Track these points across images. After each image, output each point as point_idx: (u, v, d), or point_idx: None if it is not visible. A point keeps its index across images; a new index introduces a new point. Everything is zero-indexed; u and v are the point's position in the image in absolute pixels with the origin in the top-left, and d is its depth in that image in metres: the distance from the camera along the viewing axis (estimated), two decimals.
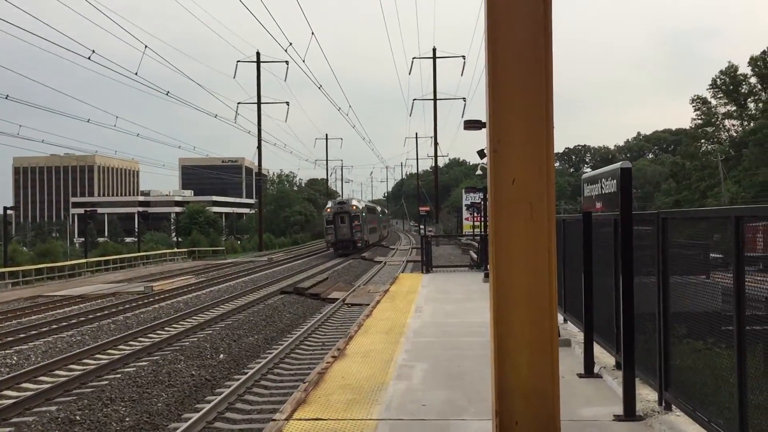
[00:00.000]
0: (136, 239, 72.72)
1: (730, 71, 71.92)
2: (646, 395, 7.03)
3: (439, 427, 6.58)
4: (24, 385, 12.54)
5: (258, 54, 63.78)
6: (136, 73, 34.10)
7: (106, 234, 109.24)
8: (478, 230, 40.65)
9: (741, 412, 4.77)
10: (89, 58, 30.47)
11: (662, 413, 6.51)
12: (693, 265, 6.09)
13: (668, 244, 6.33)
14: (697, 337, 5.86)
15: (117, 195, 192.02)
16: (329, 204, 57.23)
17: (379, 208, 78.80)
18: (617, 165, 6.68)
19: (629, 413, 6.59)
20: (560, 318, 11.50)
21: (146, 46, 37.64)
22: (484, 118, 5.13)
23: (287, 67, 60.46)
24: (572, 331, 11.02)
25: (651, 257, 6.70)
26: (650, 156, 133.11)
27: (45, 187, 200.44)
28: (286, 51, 37.03)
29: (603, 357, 8.73)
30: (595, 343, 8.52)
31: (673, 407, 6.41)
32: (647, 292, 6.78)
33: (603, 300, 8.34)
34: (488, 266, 5.46)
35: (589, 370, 8.45)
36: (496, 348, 5.02)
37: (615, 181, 6.72)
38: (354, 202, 56.78)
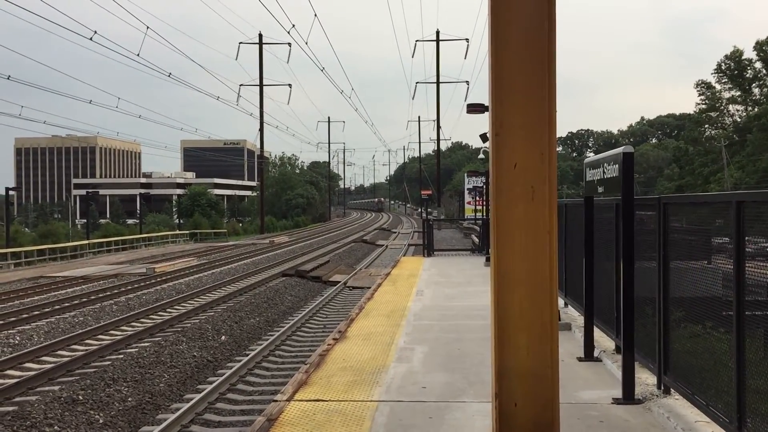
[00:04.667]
0: (138, 221, 72.79)
1: (735, 56, 71.44)
2: (645, 379, 7.07)
3: (438, 409, 6.63)
4: (27, 365, 12.62)
5: (260, 35, 63.47)
6: (138, 54, 34.01)
7: (108, 215, 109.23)
8: (480, 214, 40.67)
9: (739, 396, 4.80)
10: (91, 39, 30.41)
11: (661, 397, 6.55)
12: (694, 250, 6.10)
13: (669, 228, 6.34)
14: (697, 321, 5.88)
15: (119, 176, 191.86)
16: (376, 199, 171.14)
17: (384, 199, 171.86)
18: (619, 150, 6.67)
19: (628, 396, 6.64)
20: (561, 302, 11.53)
21: (148, 27, 37.32)
22: (487, 102, 5.11)
23: (290, 49, 60.38)
24: (573, 315, 11.06)
25: (652, 242, 6.72)
26: (653, 141, 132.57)
27: (47, 168, 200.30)
28: (288, 33, 36.95)
29: (603, 341, 8.77)
30: (595, 327, 8.55)
31: (672, 391, 6.45)
32: (648, 277, 6.80)
33: (604, 284, 8.36)
34: (489, 250, 5.47)
35: (589, 353, 8.50)
36: (496, 330, 5.04)
37: (617, 165, 6.71)
38: (382, 199, 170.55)
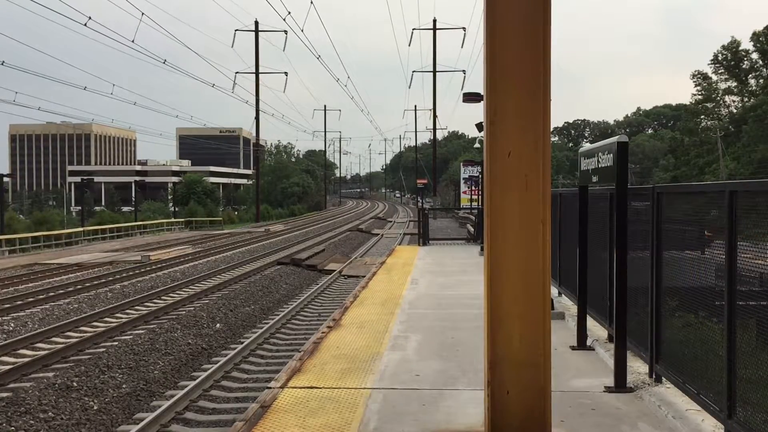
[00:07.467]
0: (133, 208, 72.63)
1: (732, 46, 71.33)
2: (637, 368, 7.11)
3: (431, 397, 6.66)
4: (21, 351, 12.62)
5: (256, 23, 63.19)
6: (132, 41, 33.88)
7: (103, 203, 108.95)
8: (476, 204, 40.68)
9: (730, 385, 4.83)
10: (85, 25, 30.19)
11: (652, 385, 6.59)
12: (687, 240, 6.12)
13: (663, 218, 6.36)
14: (689, 311, 5.91)
15: (114, 164, 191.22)
16: (358, 189, 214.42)
17: (365, 189, 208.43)
18: (614, 139, 6.67)
19: (620, 385, 6.68)
20: (555, 291, 11.56)
21: (143, 13, 37.31)
22: (483, 91, 5.11)
23: (286, 37, 60.10)
24: (566, 304, 11.10)
25: (645, 232, 6.74)
26: (649, 131, 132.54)
27: (42, 155, 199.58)
28: (284, 20, 36.82)
29: (596, 330, 8.81)
30: (588, 316, 8.58)
31: (664, 380, 6.49)
32: (641, 266, 6.82)
33: (597, 274, 8.39)
34: (483, 239, 5.47)
35: (581, 342, 8.53)
36: (489, 319, 5.06)
37: (611, 155, 6.72)
38: (364, 189, 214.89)
